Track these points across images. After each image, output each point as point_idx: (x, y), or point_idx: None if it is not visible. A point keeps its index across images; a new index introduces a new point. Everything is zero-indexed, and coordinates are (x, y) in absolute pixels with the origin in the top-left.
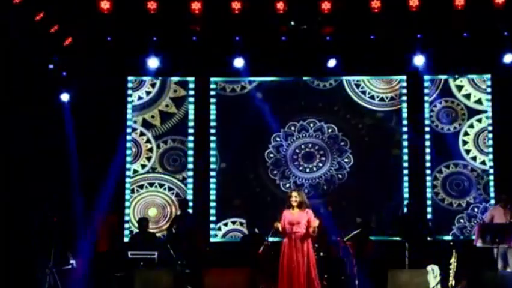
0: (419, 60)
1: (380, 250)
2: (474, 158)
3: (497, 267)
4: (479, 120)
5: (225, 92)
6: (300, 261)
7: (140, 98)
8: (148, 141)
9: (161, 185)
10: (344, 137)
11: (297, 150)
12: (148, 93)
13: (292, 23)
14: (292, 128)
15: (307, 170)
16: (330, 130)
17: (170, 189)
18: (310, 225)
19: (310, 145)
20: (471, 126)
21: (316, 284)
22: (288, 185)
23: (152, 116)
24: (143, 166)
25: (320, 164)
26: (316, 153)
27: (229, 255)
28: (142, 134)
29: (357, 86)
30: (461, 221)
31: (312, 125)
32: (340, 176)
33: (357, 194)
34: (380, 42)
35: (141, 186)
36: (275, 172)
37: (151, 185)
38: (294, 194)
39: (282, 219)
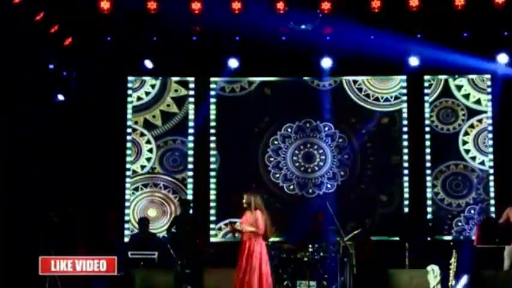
0: (416, 60)
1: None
2: (474, 158)
3: (497, 266)
4: (480, 121)
5: (225, 92)
6: (251, 260)
7: (140, 98)
8: (148, 141)
9: (160, 186)
10: (343, 136)
11: (297, 150)
12: (147, 93)
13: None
14: (292, 128)
15: (300, 167)
16: (329, 130)
17: (169, 189)
18: (257, 225)
19: (309, 145)
20: (471, 126)
21: (266, 281)
22: (277, 174)
23: (154, 116)
24: (143, 167)
25: (315, 168)
26: (316, 153)
27: (229, 255)
28: (142, 134)
29: (357, 85)
30: (461, 221)
31: (312, 124)
32: (326, 187)
33: (357, 193)
34: (380, 42)
35: (141, 187)
36: (275, 171)
37: (151, 185)
38: (244, 196)
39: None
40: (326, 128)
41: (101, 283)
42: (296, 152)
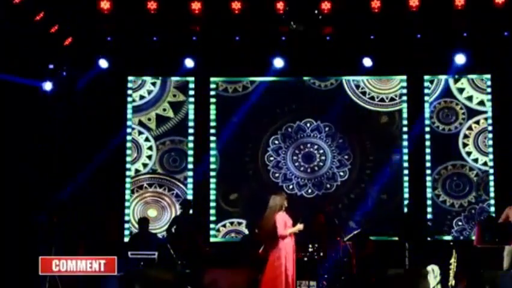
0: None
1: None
2: (474, 158)
3: (497, 266)
4: (480, 121)
5: (224, 92)
6: (294, 257)
7: (141, 97)
8: (148, 141)
9: (160, 186)
10: (343, 137)
11: (297, 151)
12: (142, 97)
13: (293, 23)
14: (292, 128)
15: (307, 170)
16: (329, 130)
17: (170, 189)
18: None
19: (310, 145)
20: (471, 126)
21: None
22: (290, 186)
23: (149, 119)
24: (143, 167)
25: (320, 164)
26: (316, 154)
27: (229, 255)
28: (142, 134)
29: (357, 86)
30: (461, 221)
31: (311, 125)
32: (340, 175)
33: (357, 193)
34: (379, 42)
35: (141, 187)
36: (275, 172)
37: (151, 185)
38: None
39: (283, 223)
40: (326, 128)
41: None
42: (295, 158)
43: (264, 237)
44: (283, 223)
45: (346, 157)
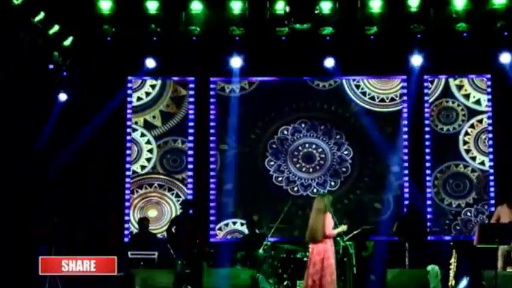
0: (416, 60)
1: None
2: (474, 159)
3: (497, 266)
4: (480, 121)
5: (224, 92)
6: None
7: (140, 98)
8: (148, 142)
9: (160, 186)
10: (343, 137)
11: (297, 151)
12: (148, 94)
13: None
14: (292, 128)
15: (307, 170)
16: (329, 130)
17: (170, 189)
18: None
19: (310, 145)
20: (471, 126)
21: None
22: (314, 190)
23: (154, 117)
24: (143, 167)
25: (320, 164)
26: (316, 153)
27: (229, 255)
28: (142, 134)
29: (357, 86)
30: (461, 221)
31: (311, 125)
32: (345, 154)
33: (357, 194)
34: (380, 42)
35: (141, 187)
36: (293, 186)
37: (151, 185)
38: None
39: (331, 223)
40: (326, 128)
41: None
42: (295, 153)
43: (310, 238)
44: (331, 223)
45: (338, 137)
